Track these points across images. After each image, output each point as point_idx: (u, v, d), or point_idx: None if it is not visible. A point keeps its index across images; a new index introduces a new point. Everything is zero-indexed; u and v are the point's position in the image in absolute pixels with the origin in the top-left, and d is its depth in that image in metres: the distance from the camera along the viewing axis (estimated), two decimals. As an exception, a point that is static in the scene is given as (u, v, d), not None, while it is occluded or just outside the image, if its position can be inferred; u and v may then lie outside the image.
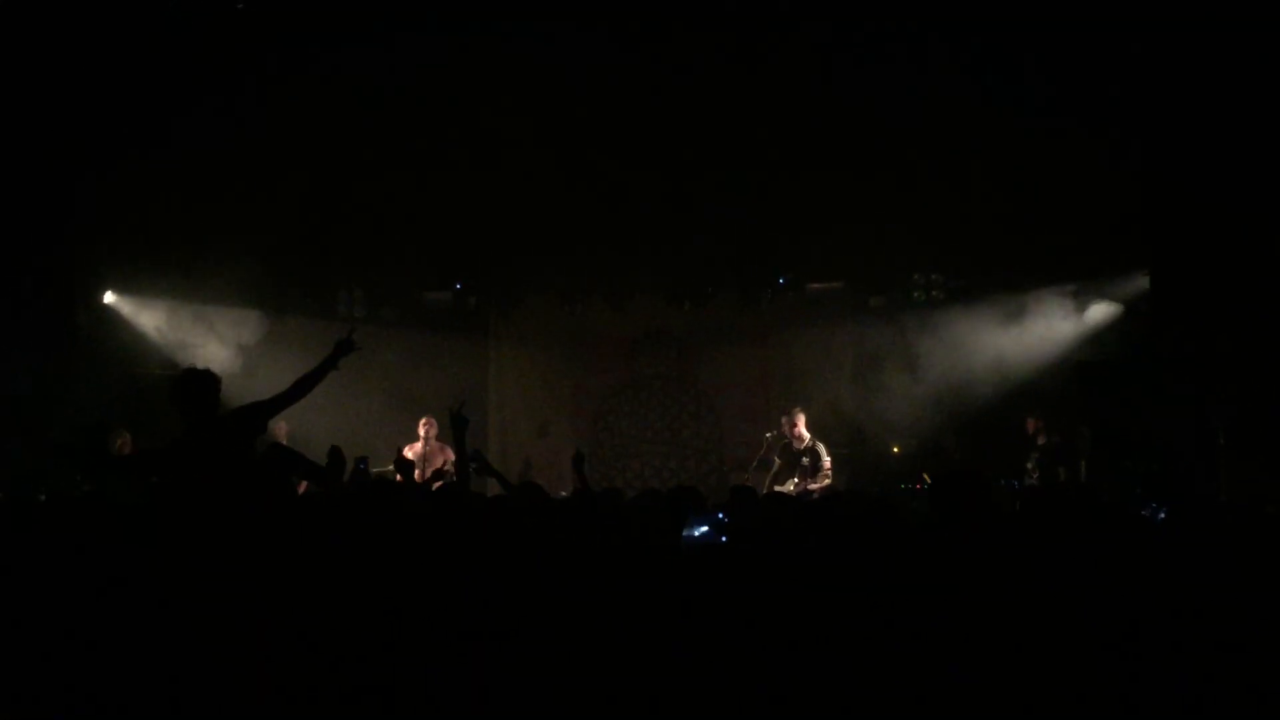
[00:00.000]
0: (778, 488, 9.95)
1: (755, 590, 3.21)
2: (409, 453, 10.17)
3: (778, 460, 10.33)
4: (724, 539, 4.05)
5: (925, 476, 10.40)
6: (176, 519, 4.01)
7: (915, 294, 11.61)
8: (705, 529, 4.16)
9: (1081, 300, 10.88)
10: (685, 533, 4.00)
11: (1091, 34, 8.68)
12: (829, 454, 10.14)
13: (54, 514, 3.75)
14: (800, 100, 9.70)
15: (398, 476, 7.20)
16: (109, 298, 11.20)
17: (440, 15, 8.93)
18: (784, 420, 10.44)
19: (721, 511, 4.87)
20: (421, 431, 10.16)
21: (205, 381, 5.54)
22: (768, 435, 10.54)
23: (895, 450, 11.72)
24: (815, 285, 12.12)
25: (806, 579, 3.32)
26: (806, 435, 10.25)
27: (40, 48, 8.67)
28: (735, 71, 9.50)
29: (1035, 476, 9.89)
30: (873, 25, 9.01)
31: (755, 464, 10.55)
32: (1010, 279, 11.05)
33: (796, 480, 10.01)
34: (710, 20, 9.12)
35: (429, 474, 9.71)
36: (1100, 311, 10.88)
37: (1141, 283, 10.58)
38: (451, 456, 9.84)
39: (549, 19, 9.04)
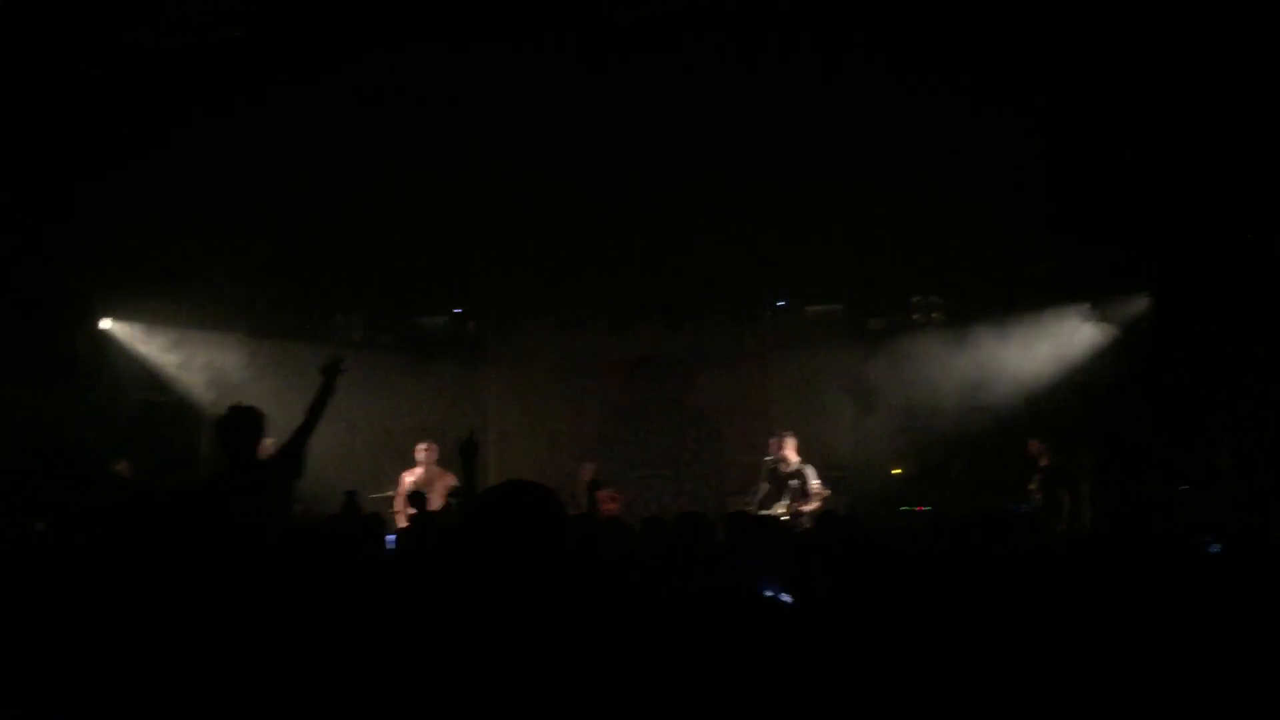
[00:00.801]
0: (764, 512, 9.94)
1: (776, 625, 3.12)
2: (409, 478, 10.12)
3: (765, 485, 10.29)
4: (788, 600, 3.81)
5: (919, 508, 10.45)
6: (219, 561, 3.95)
7: (915, 316, 11.57)
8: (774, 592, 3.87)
9: (1083, 322, 10.84)
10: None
11: (1087, 47, 8.60)
12: (816, 477, 10.11)
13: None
14: (797, 122, 9.66)
15: (409, 509, 7.15)
16: (105, 324, 11.15)
17: (433, 37, 8.87)
18: (772, 443, 10.41)
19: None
20: (420, 457, 10.09)
21: (251, 419, 5.46)
22: (766, 459, 10.49)
23: (896, 472, 11.67)
24: (813, 308, 12.10)
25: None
26: (794, 459, 10.22)
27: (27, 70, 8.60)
28: (729, 94, 9.45)
29: (1039, 499, 9.84)
30: (868, 40, 8.92)
31: (754, 488, 10.49)
32: (1010, 301, 11.01)
33: (787, 503, 9.97)
34: (700, 43, 9.06)
35: (432, 500, 9.65)
36: (1097, 334, 10.83)
37: (1142, 303, 10.56)
38: (452, 481, 9.79)
39: (539, 45, 8.98)
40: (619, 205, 10.34)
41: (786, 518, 9.84)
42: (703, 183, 10.18)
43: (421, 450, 10.08)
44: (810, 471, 10.12)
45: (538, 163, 9.84)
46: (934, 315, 11.51)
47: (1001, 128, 9.07)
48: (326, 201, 10.26)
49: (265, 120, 9.36)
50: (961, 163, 9.41)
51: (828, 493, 10.03)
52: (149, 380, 11.19)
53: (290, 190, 10.03)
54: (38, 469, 8.75)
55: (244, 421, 5.43)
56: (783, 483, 10.14)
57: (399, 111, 9.56)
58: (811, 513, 9.75)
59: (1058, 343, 10.91)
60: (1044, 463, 9.98)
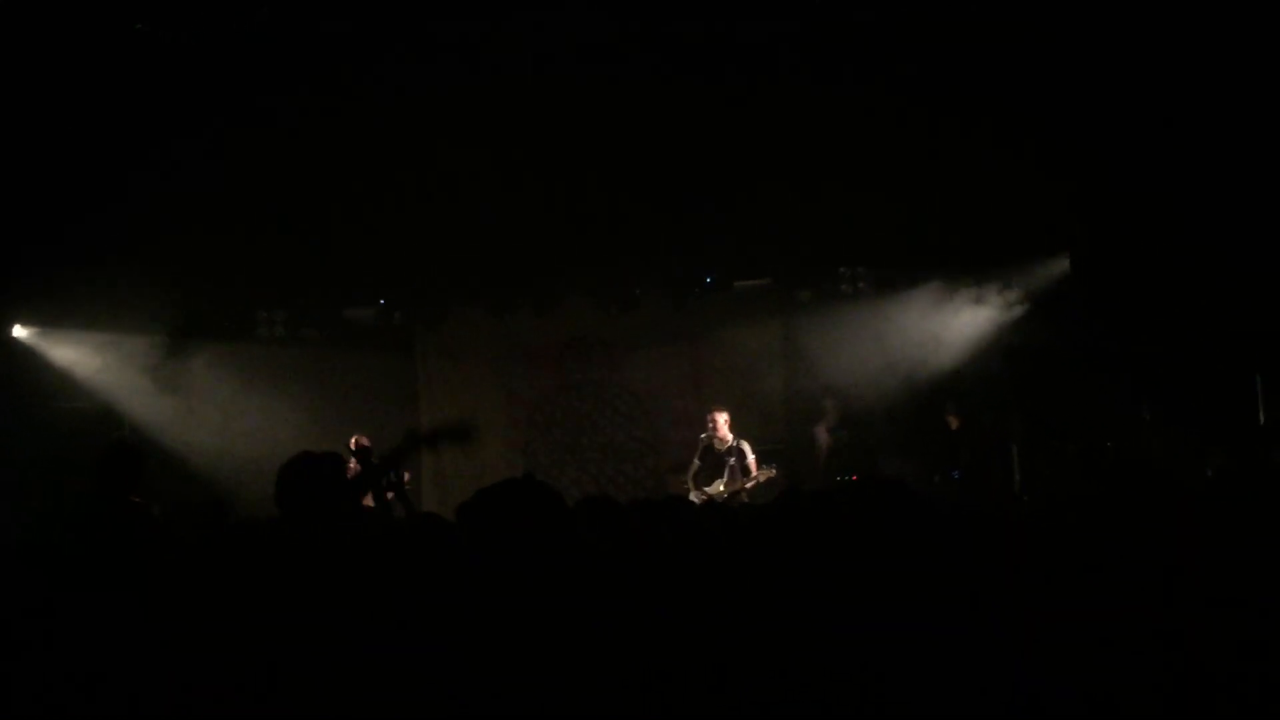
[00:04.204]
0: (707, 489, 9.95)
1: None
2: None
3: (697, 461, 10.29)
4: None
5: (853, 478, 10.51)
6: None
7: (843, 286, 11.66)
8: None
9: (1004, 287, 11.02)
10: None
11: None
12: (753, 451, 10.14)
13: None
14: (716, 99, 9.69)
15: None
16: (17, 331, 10.85)
17: (366, 36, 8.77)
18: (707, 421, 10.39)
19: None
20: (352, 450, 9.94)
21: (127, 458, 5.24)
22: (702, 436, 10.48)
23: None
24: (742, 283, 12.12)
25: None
26: (729, 436, 10.23)
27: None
28: (653, 74, 9.44)
29: (965, 464, 9.98)
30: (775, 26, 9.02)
31: (690, 466, 10.48)
32: (935, 268, 11.15)
33: (726, 481, 9.98)
34: (634, 33, 9.07)
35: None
36: (1018, 298, 11.00)
37: (1062, 264, 10.75)
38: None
39: (472, 35, 8.91)
40: (545, 191, 10.28)
41: (725, 496, 9.85)
42: (628, 166, 10.16)
43: (353, 444, 9.93)
44: (747, 448, 10.14)
45: (461, 152, 9.75)
46: (860, 285, 11.60)
47: (917, 102, 9.18)
48: (245, 197, 10.08)
49: (182, 118, 9.18)
50: (882, 137, 9.49)
51: (771, 471, 10.00)
52: (66, 387, 10.91)
53: (208, 187, 9.83)
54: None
55: (122, 459, 5.20)
56: (720, 460, 10.15)
57: (321, 113, 9.43)
58: (752, 488, 9.80)
59: (981, 309, 11.07)
60: (964, 429, 10.12)
